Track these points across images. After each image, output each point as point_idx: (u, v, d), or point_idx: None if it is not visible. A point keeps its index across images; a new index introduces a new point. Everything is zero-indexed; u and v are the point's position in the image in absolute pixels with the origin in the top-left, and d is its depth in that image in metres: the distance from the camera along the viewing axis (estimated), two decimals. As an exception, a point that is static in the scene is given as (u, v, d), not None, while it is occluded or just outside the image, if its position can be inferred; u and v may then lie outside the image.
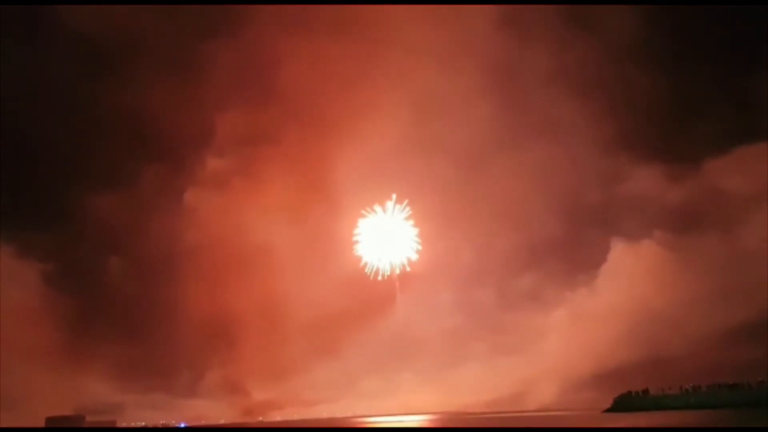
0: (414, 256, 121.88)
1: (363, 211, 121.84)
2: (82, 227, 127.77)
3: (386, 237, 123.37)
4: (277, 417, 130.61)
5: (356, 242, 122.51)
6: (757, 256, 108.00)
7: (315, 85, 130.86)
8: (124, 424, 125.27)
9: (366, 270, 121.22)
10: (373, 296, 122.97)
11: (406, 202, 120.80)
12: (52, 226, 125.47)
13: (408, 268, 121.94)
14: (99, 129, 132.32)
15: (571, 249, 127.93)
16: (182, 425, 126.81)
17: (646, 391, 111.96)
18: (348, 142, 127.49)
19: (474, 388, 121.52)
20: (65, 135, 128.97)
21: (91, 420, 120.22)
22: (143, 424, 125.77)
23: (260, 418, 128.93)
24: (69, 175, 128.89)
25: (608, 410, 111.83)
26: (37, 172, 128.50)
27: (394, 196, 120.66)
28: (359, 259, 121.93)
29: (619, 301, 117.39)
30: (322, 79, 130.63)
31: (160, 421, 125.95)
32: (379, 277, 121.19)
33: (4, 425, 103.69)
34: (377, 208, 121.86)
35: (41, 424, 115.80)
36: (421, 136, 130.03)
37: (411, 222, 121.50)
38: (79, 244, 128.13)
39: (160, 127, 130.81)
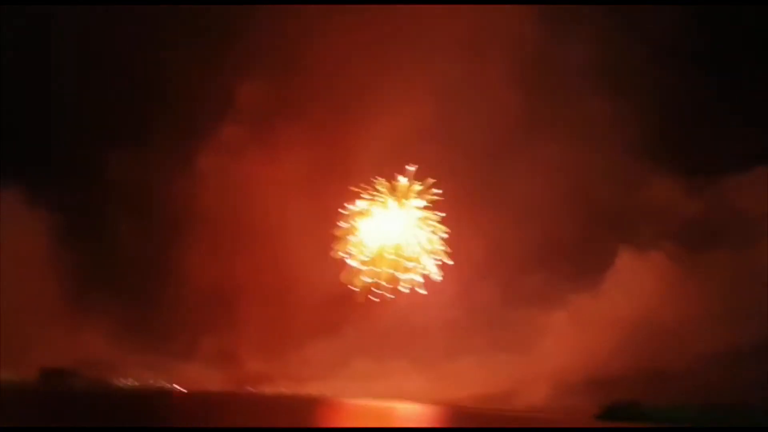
0: (436, 273, 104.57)
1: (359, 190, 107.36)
2: (94, 181, 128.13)
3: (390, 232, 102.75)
4: (267, 389, 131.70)
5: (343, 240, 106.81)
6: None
7: (342, 61, 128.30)
8: (115, 381, 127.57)
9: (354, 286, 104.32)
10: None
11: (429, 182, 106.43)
12: (65, 177, 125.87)
13: (424, 291, 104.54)
14: (117, 81, 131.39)
15: (579, 251, 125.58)
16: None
17: (637, 403, 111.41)
18: (370, 123, 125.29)
19: (465, 382, 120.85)
20: (84, 82, 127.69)
21: (84, 374, 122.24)
22: (137, 383, 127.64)
23: (250, 389, 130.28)
24: (85, 127, 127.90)
25: (597, 418, 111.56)
26: (53, 118, 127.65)
27: (410, 168, 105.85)
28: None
29: (621, 309, 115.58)
30: (350, 56, 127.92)
31: (149, 380, 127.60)
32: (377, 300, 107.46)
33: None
34: (381, 187, 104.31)
35: (35, 374, 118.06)
36: (445, 124, 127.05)
37: (435, 218, 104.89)
38: (89, 198, 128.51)
39: (181, 87, 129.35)
